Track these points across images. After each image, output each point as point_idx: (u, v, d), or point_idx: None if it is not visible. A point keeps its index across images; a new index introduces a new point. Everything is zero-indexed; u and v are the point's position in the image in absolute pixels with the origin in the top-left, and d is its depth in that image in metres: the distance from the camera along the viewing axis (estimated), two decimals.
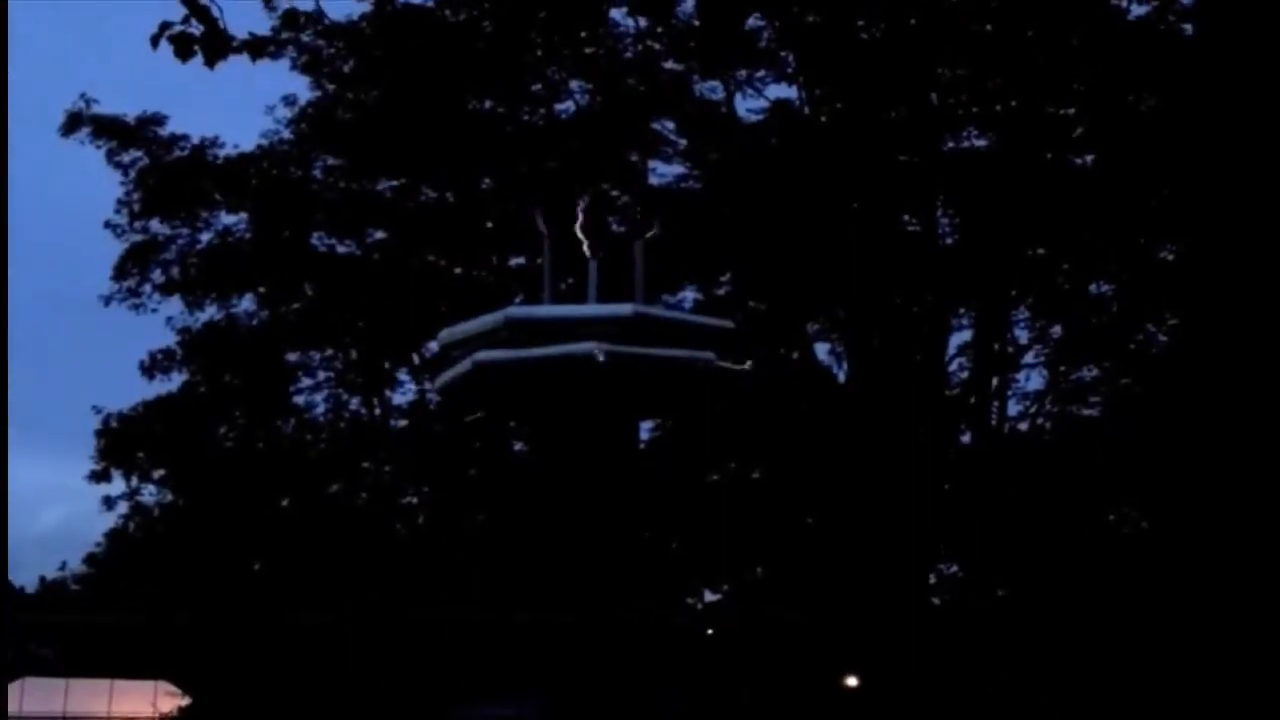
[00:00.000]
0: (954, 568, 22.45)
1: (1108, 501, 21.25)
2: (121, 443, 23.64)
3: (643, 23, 22.18)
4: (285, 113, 23.76)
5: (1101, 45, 20.45)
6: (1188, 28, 20.90)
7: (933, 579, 22.11)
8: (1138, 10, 21.13)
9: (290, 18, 21.69)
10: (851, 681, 21.20)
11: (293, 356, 24.17)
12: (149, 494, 24.08)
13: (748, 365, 11.57)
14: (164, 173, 23.60)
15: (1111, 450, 20.36)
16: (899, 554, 20.41)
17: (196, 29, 5.49)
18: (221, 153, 23.84)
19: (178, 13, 5.57)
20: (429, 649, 21.50)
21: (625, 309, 11.66)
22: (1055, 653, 19.74)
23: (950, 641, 20.49)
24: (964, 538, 21.33)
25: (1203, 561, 18.72)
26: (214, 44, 5.48)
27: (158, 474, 24.06)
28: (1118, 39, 20.47)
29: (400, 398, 24.32)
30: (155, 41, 5.45)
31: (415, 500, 24.68)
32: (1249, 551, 18.18)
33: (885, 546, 20.25)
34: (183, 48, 5.50)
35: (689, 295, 22.41)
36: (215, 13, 5.45)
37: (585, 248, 12.03)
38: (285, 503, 23.95)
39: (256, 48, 5.79)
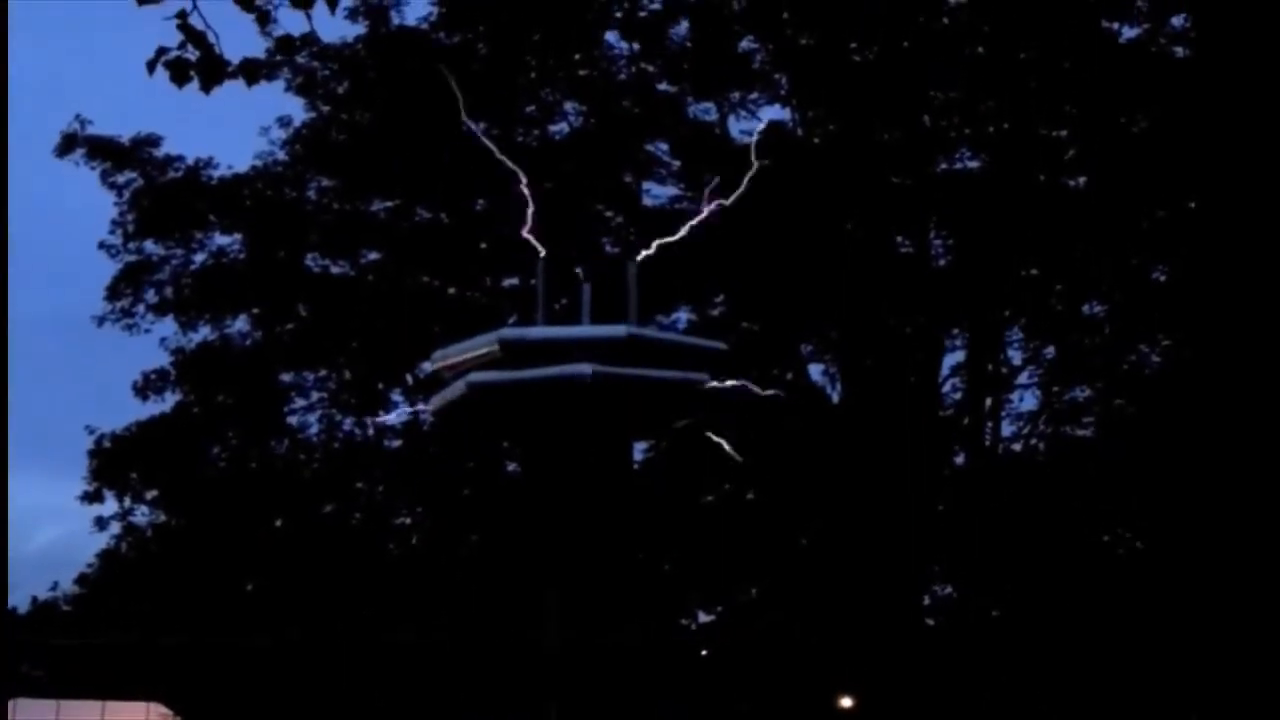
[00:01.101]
0: (948, 588, 22.43)
1: (1102, 522, 21.26)
2: (114, 463, 23.55)
3: (636, 46, 22.28)
4: (280, 134, 23.79)
5: (1094, 68, 20.56)
6: (1179, 50, 21.04)
7: (927, 600, 22.10)
8: (1129, 33, 21.28)
9: (285, 43, 21.71)
10: (847, 702, 21.15)
11: (286, 377, 24.12)
12: (141, 514, 23.99)
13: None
14: (158, 194, 23.58)
15: (1105, 471, 20.39)
16: (893, 575, 20.39)
17: (192, 54, 5.51)
18: (216, 174, 23.85)
19: (173, 36, 5.59)
20: (424, 670, 21.44)
21: (619, 330, 11.69)
22: (1050, 673, 19.72)
23: (944, 662, 20.46)
24: (958, 558, 21.32)
25: (1197, 581, 18.74)
26: (210, 69, 5.51)
27: (150, 494, 23.96)
28: (1110, 61, 20.59)
29: (393, 418, 24.27)
30: (151, 67, 5.48)
31: (409, 520, 24.62)
32: (1243, 570, 18.21)
33: (879, 567, 20.24)
34: (179, 73, 5.52)
35: (682, 316, 22.45)
36: (211, 38, 5.48)
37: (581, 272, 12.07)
38: (278, 523, 23.86)
39: (252, 72, 5.81)
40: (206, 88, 5.57)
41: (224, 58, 5.56)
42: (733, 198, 12.77)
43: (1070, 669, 19.58)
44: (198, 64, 5.52)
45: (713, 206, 12.60)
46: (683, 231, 12.22)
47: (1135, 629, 19.58)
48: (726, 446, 11.80)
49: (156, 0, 5.34)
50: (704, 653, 22.47)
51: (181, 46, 5.53)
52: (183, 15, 5.45)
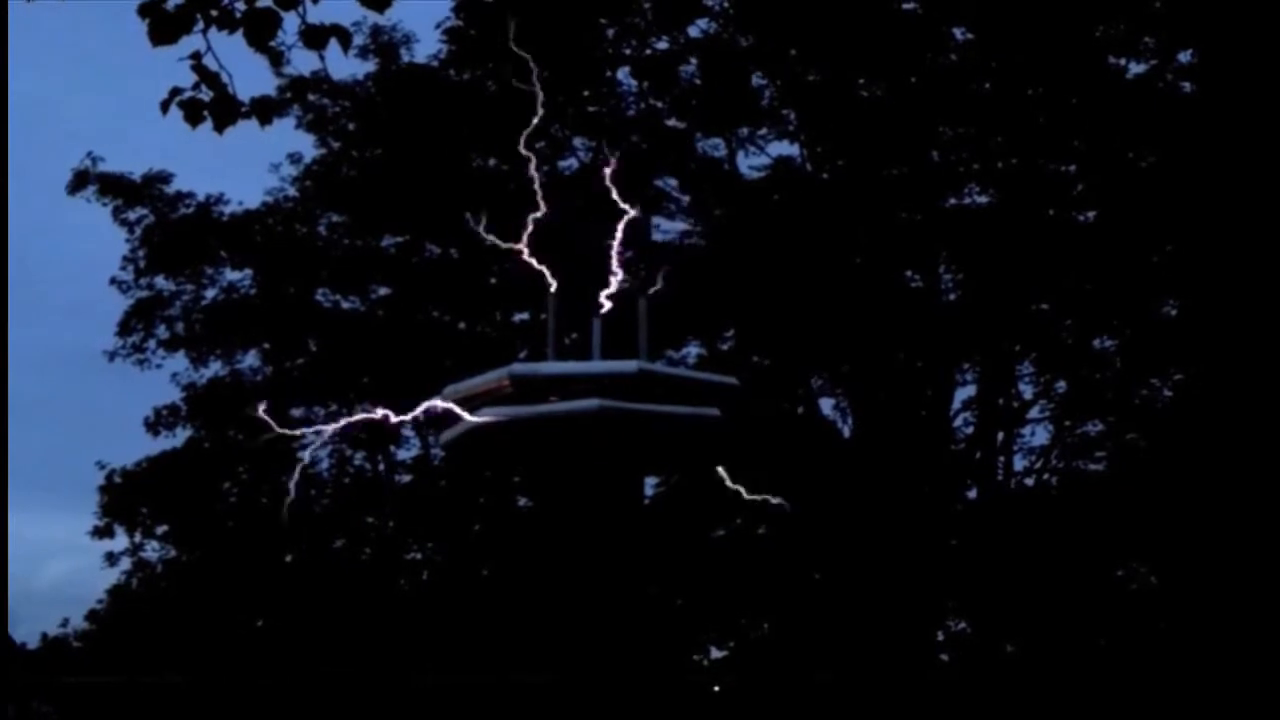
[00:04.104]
0: (962, 624, 22.33)
1: (1115, 556, 21.16)
2: (125, 498, 23.58)
3: (646, 83, 22.41)
4: (290, 170, 23.93)
5: (1101, 104, 20.64)
6: (1186, 86, 21.11)
7: (940, 635, 21.99)
8: (1136, 69, 21.37)
9: (298, 85, 21.94)
10: None
11: (297, 412, 24.17)
12: (152, 550, 24.01)
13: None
14: (170, 230, 23.70)
15: (1118, 505, 20.32)
16: (906, 610, 20.30)
17: (206, 95, 5.57)
18: (227, 210, 23.98)
19: (183, 73, 5.65)
20: (435, 708, 21.35)
21: (629, 366, 11.73)
22: (1064, 709, 19.58)
23: (958, 698, 20.34)
24: (971, 594, 21.23)
25: (1212, 615, 18.64)
26: (224, 110, 5.57)
27: (161, 530, 23.98)
28: (1117, 97, 20.67)
29: (404, 453, 24.29)
30: (165, 107, 5.54)
31: (419, 556, 24.59)
32: (1259, 605, 18.10)
33: (892, 603, 20.15)
34: (193, 114, 5.58)
35: (692, 350, 22.48)
36: (225, 79, 5.54)
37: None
38: (288, 559, 23.84)
39: (265, 112, 5.86)
40: (220, 128, 5.63)
41: (237, 98, 5.63)
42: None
43: (1084, 703, 19.45)
44: (211, 105, 5.59)
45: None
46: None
47: (1149, 664, 19.46)
48: (729, 482, 11.77)
49: (171, 41, 5.41)
50: (716, 689, 22.36)
51: (195, 87, 5.59)
52: (197, 56, 5.52)
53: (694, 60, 22.12)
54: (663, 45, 22.39)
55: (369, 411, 23.73)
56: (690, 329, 21.86)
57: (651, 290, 12.27)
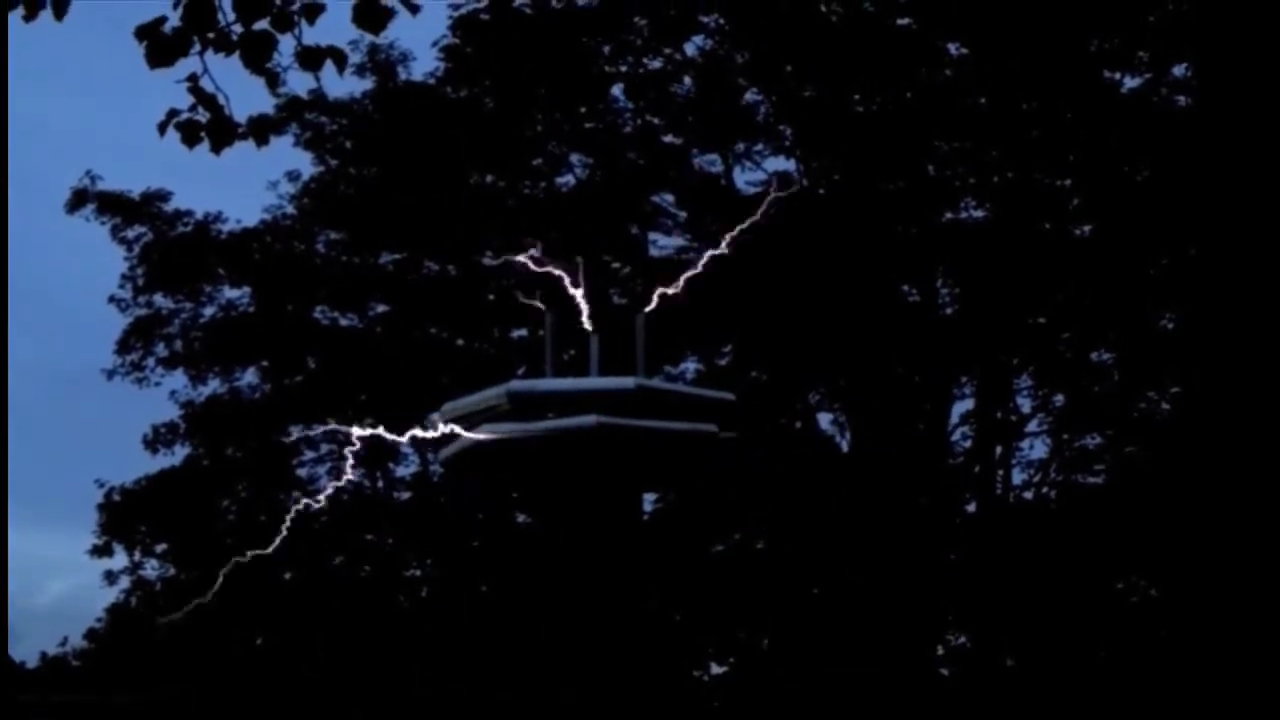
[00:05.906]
0: (961, 638, 22.31)
1: (1115, 569, 21.17)
2: (124, 516, 23.56)
3: (641, 101, 22.48)
4: (288, 188, 23.96)
5: (1096, 117, 20.71)
6: (1181, 99, 21.19)
7: (940, 649, 21.97)
8: (1131, 83, 21.46)
9: (294, 105, 22.03)
10: None
11: (296, 429, 24.15)
12: (151, 568, 23.98)
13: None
14: (168, 248, 23.73)
15: (1117, 518, 20.32)
16: (905, 625, 20.29)
17: (203, 116, 5.61)
18: (225, 228, 24.00)
19: (180, 93, 5.68)
20: None
21: (627, 382, 11.77)
22: None
23: (958, 713, 20.31)
24: (971, 608, 21.22)
25: (1212, 630, 18.64)
26: (220, 131, 5.61)
27: (160, 548, 23.96)
28: (1112, 111, 20.74)
29: (403, 470, 24.28)
30: (163, 129, 5.58)
31: (419, 573, 24.57)
32: (1258, 619, 18.10)
33: (891, 617, 20.14)
34: (190, 135, 5.62)
35: (690, 366, 22.50)
36: (221, 100, 5.59)
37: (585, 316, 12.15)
38: (287, 576, 23.81)
39: (262, 132, 5.90)
40: (217, 149, 5.67)
41: (234, 119, 5.67)
42: (725, 239, 12.87)
43: (1085, 717, 19.42)
44: (208, 126, 5.63)
45: (706, 257, 12.73)
46: (681, 283, 12.32)
47: (1150, 676, 19.44)
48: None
49: (169, 64, 5.46)
50: (715, 704, 22.34)
51: (192, 109, 5.63)
52: (194, 78, 5.55)
53: (689, 78, 22.20)
54: (657, 63, 22.47)
55: (367, 429, 23.80)
56: (688, 344, 21.89)
57: (648, 308, 12.31)
